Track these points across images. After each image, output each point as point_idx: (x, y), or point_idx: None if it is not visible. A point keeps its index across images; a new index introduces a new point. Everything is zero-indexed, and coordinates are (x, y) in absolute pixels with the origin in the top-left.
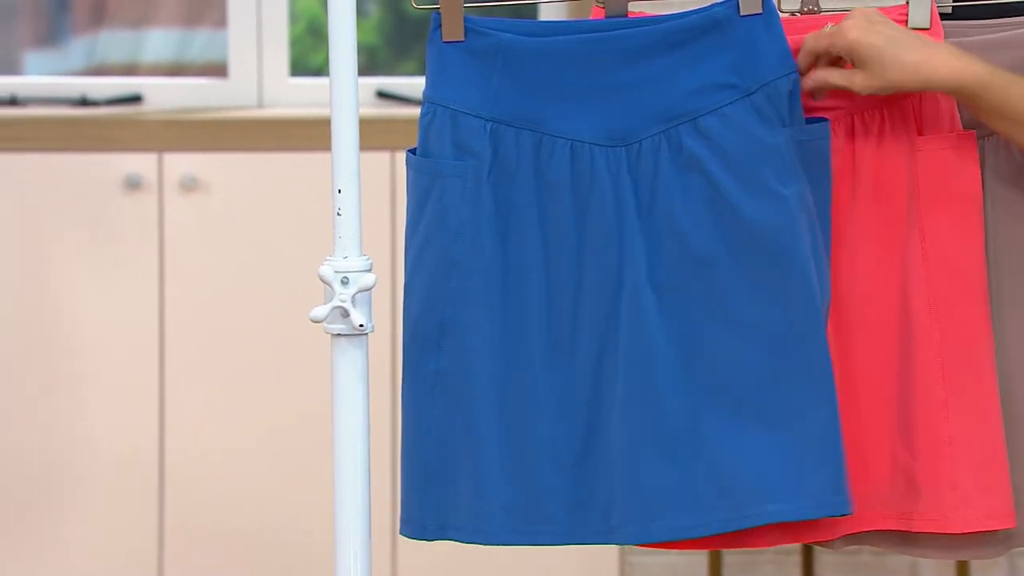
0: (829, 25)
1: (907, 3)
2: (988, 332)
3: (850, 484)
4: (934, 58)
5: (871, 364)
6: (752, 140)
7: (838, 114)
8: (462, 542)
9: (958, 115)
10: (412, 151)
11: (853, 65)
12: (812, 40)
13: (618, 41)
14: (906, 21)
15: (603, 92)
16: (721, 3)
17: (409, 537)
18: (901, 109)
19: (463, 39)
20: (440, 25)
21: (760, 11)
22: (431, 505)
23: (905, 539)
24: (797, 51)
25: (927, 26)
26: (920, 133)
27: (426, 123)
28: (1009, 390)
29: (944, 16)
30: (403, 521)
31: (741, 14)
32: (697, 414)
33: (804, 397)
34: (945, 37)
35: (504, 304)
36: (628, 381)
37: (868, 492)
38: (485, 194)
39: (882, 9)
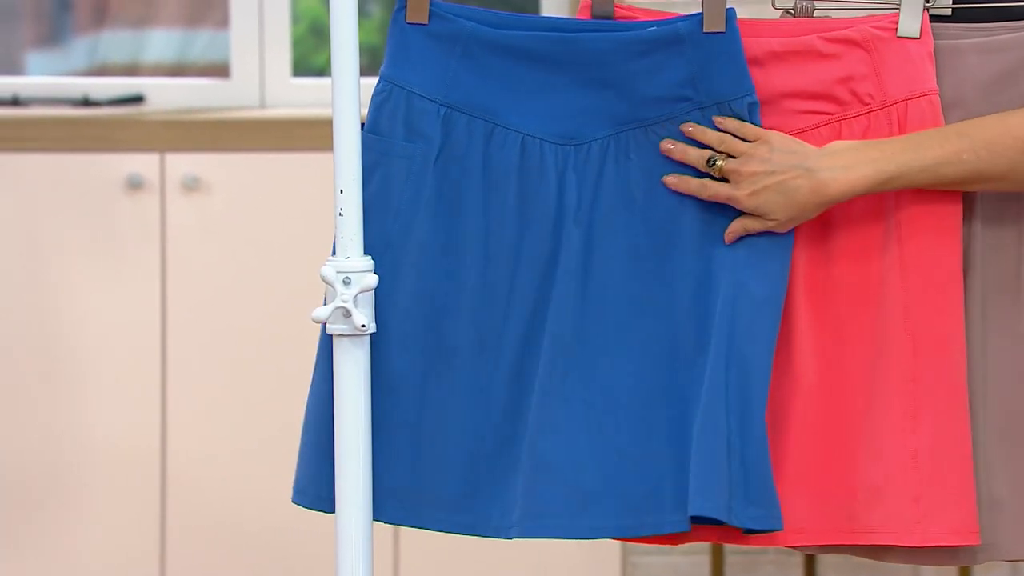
0: (720, 162)
1: (898, 12)
2: (961, 346)
3: (812, 498)
4: (821, 184)
5: (843, 374)
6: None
7: (826, 119)
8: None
9: (943, 122)
10: (361, 126)
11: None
12: (706, 195)
13: (579, 43)
14: (895, 29)
15: (559, 91)
16: (685, 18)
17: (301, 506)
18: (887, 116)
19: (427, 22)
20: (405, 5)
21: (723, 30)
22: (327, 478)
23: (873, 548)
24: (769, 55)
25: (917, 35)
26: None
27: (379, 101)
28: (992, 401)
29: (943, 19)
30: (296, 491)
31: (704, 31)
32: (618, 418)
33: (740, 406)
34: (943, 40)
35: (434, 290)
36: (547, 380)
37: (836, 506)
38: (429, 178)
39: (873, 16)
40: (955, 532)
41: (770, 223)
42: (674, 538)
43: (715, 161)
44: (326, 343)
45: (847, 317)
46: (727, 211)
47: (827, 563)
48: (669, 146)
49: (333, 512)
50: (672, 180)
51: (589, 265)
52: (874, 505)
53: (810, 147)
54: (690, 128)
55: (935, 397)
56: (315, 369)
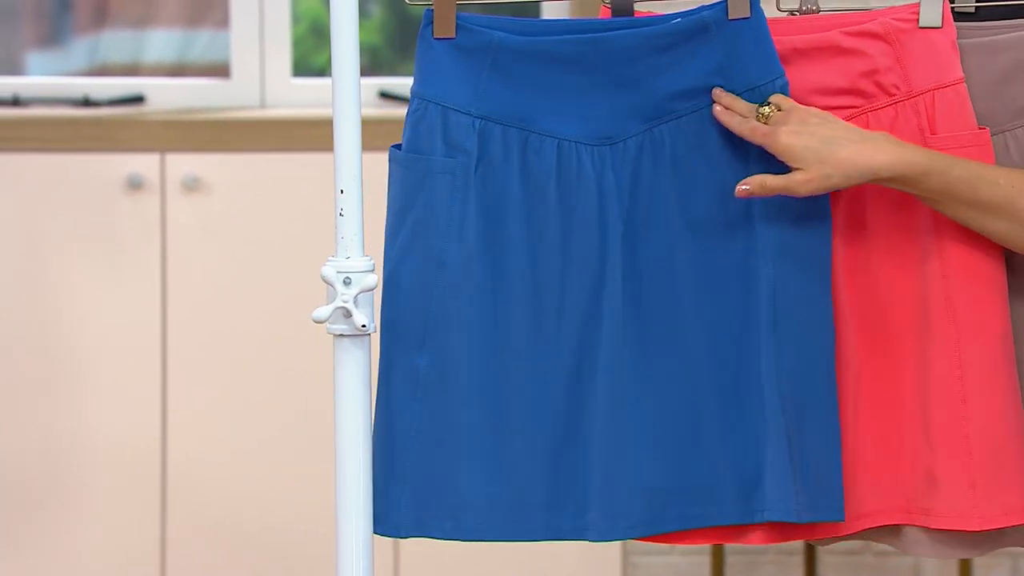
0: (767, 109)
1: (918, 2)
2: (1007, 329)
3: (868, 482)
4: (870, 149)
5: (891, 363)
6: (733, 141)
7: (853, 112)
8: (439, 539)
9: (972, 112)
10: (397, 146)
11: (789, 166)
12: (744, 129)
13: (606, 43)
14: (916, 20)
15: (590, 92)
16: (709, 7)
17: (383, 535)
18: (915, 107)
19: (454, 36)
20: (432, 21)
21: (748, 15)
22: (406, 503)
23: (918, 537)
24: (792, 52)
25: (939, 25)
26: (933, 132)
27: (415, 119)
28: None
29: (967, 16)
30: (376, 519)
31: (729, 18)
32: (676, 414)
33: (796, 398)
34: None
35: (489, 301)
36: (607, 380)
37: (892, 486)
38: (472, 191)
39: (894, 8)
40: (1012, 513)
41: (796, 176)
42: (727, 536)
43: (767, 104)
44: (389, 383)
45: (890, 309)
46: (767, 203)
47: (828, 564)
48: (719, 93)
49: (420, 536)
50: (719, 110)
51: (636, 262)
52: (930, 491)
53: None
54: (718, 91)
55: (984, 382)
56: (378, 401)
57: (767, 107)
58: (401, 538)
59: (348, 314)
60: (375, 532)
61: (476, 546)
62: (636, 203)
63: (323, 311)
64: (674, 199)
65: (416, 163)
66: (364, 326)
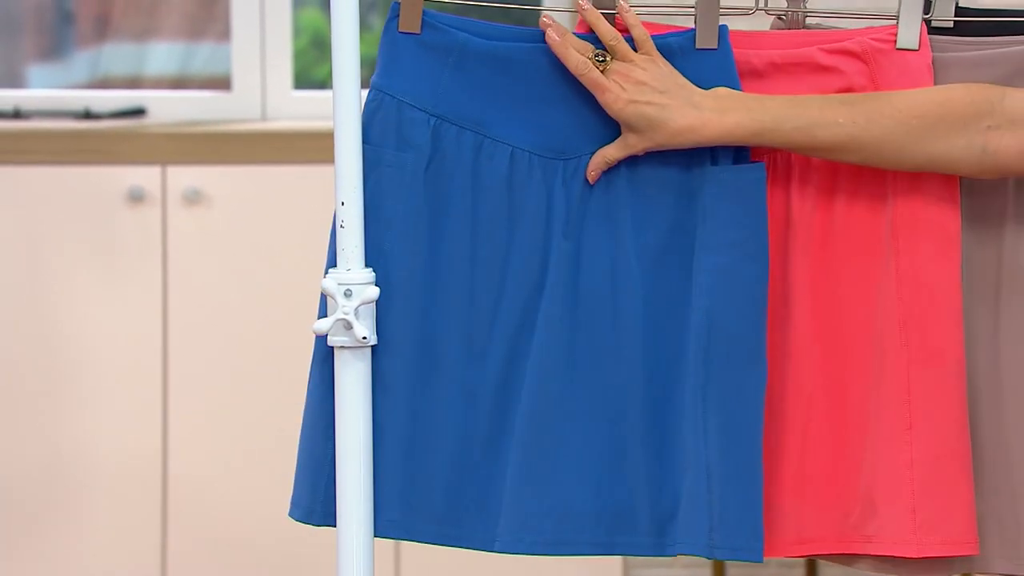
0: (602, 59)
1: (896, 24)
2: (960, 357)
3: (815, 507)
4: (699, 121)
5: (846, 385)
6: (687, 171)
7: None
8: (378, 536)
9: None
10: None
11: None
12: (580, 70)
13: None
14: (894, 41)
15: (549, 104)
16: (677, 34)
17: (296, 520)
18: None
19: (419, 32)
20: (398, 15)
21: (715, 47)
22: (322, 492)
23: (869, 559)
24: (769, 66)
25: (915, 47)
26: None
27: (371, 111)
28: (978, 415)
29: (945, 31)
30: (292, 504)
31: (696, 47)
32: (599, 437)
33: (721, 433)
34: (933, 53)
35: (426, 300)
36: (532, 395)
37: (838, 515)
38: (420, 188)
39: (873, 28)
40: (952, 543)
41: (630, 140)
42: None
43: (604, 59)
44: (322, 355)
45: (847, 329)
46: (709, 236)
47: (829, 572)
48: (547, 21)
49: (323, 525)
50: (554, 40)
51: (577, 280)
52: (870, 515)
53: (692, 85)
54: (586, 7)
55: (931, 408)
56: (310, 381)
57: (602, 59)
58: (313, 524)
59: (349, 326)
60: (289, 515)
61: (477, 558)
62: (584, 221)
63: (324, 323)
64: (622, 222)
65: (367, 154)
66: (365, 338)
